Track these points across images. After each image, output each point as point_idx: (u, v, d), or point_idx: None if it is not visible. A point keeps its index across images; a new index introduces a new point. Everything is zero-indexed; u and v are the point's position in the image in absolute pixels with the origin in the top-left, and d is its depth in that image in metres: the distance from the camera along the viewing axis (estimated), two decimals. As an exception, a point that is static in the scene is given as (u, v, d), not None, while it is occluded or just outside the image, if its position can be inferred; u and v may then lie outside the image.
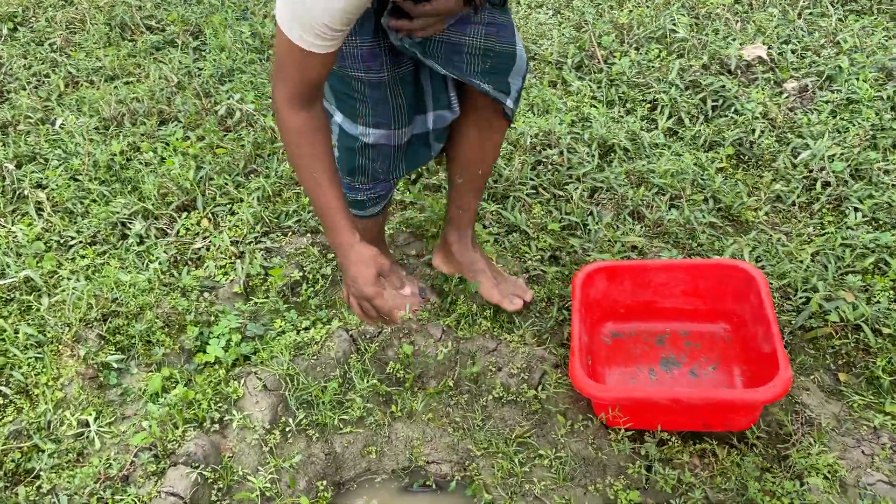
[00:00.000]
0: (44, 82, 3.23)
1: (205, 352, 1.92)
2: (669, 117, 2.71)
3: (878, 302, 1.91)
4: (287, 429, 1.79)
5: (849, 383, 1.80)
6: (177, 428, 1.75)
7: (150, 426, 1.74)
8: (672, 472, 1.62)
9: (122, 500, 1.62)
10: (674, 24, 3.12)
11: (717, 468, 1.63)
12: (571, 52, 3.07)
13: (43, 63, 3.34)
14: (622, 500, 1.64)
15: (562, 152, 2.53)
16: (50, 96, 3.10)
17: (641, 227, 2.24)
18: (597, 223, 2.24)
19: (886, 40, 2.94)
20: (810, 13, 3.22)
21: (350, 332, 1.95)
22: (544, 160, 2.51)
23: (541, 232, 2.27)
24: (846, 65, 2.79)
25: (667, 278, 1.91)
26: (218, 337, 1.95)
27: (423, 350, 1.92)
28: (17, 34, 3.59)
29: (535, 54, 3.13)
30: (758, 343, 1.74)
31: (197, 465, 1.64)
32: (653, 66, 2.94)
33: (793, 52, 2.96)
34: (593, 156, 2.51)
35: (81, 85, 3.21)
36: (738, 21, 3.18)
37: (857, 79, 2.72)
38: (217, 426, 1.77)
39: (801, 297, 1.95)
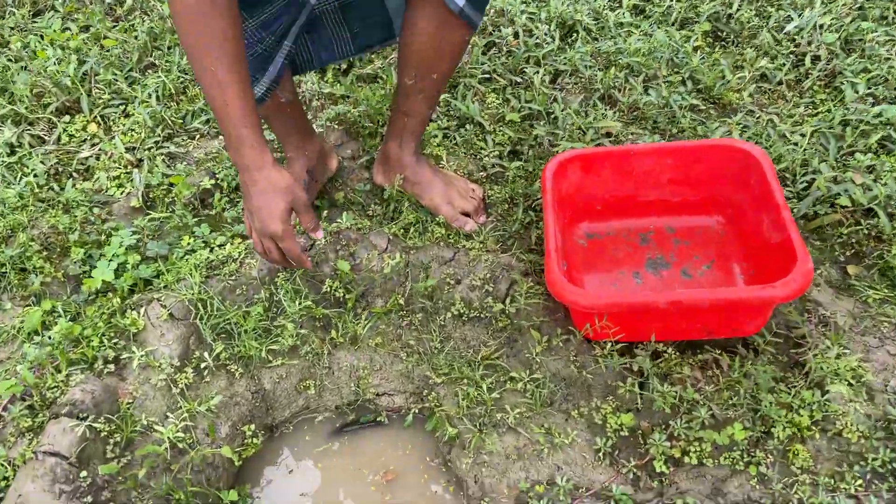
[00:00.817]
0: None
1: (92, 277, 1.55)
2: (635, -6, 2.37)
3: (885, 184, 1.66)
4: (202, 365, 1.45)
5: (860, 276, 1.56)
6: (59, 372, 1.39)
7: (21, 370, 1.37)
8: (671, 389, 1.36)
9: (-10, 465, 1.27)
10: None
11: (723, 381, 1.38)
12: (521, -75, 2.67)
13: None
14: (612, 424, 1.38)
15: (517, 34, 2.18)
16: None
17: (615, 112, 1.93)
18: (563, 110, 1.92)
19: None
20: None
21: (275, 246, 1.59)
22: (497, 41, 2.15)
23: (498, 124, 1.94)
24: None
25: (652, 165, 1.61)
26: (110, 259, 1.57)
27: (365, 264, 1.59)
28: None
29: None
30: (762, 234, 1.47)
31: (84, 415, 1.29)
32: (613, -61, 2.57)
33: (766, -80, 2.63)
34: (553, 36, 2.16)
35: (-64, -25, 2.66)
36: None
37: (840, -55, 2.42)
38: (112, 367, 1.41)
39: (801, 182, 1.69)
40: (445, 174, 1.75)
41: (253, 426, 1.45)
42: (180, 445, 1.34)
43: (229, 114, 1.25)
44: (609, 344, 1.41)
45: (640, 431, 1.38)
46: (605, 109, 1.93)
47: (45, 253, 1.64)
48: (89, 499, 1.22)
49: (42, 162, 1.87)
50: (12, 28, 2.31)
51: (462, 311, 1.54)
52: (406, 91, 1.60)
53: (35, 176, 1.81)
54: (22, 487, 1.20)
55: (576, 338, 1.46)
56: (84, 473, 1.24)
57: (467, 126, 1.93)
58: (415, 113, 1.63)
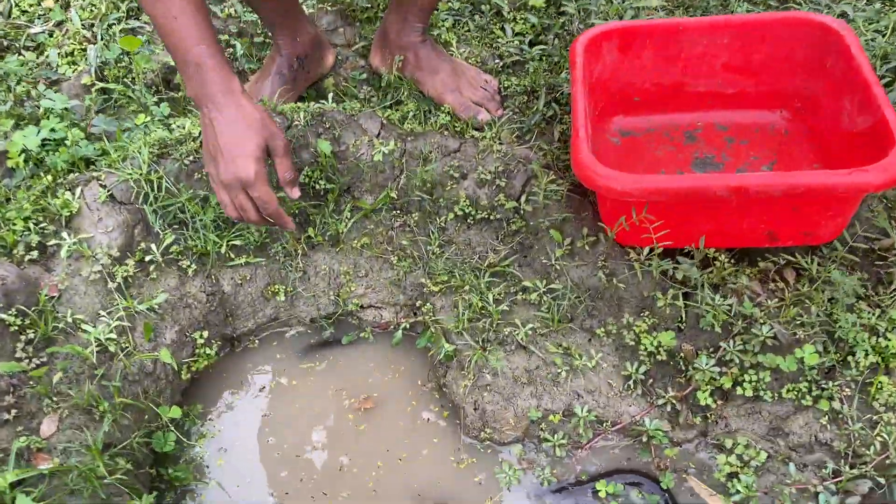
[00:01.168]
0: None
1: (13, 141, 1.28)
2: None
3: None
4: (148, 258, 1.19)
5: (954, 187, 1.28)
6: (-31, 256, 1.14)
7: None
8: (723, 303, 1.09)
9: None
10: None
11: (788, 297, 1.10)
12: None
13: None
14: (647, 345, 1.11)
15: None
16: None
17: (657, -3, 1.64)
18: (596, -7, 1.62)
19: None
20: None
21: (245, 125, 1.32)
22: (522, -80, 1.85)
23: (519, 11, 1.65)
24: None
25: (705, 46, 1.33)
26: (41, 129, 1.31)
27: (352, 150, 1.32)
28: None
29: None
30: (841, 125, 1.19)
31: (-10, 304, 1.04)
32: None
33: None
34: (586, -79, 1.86)
35: None
36: None
37: None
38: (35, 254, 1.16)
39: (884, 77, 1.40)
40: (454, 60, 1.48)
41: (206, 333, 1.19)
42: (111, 349, 1.08)
43: (179, 29, 1.01)
44: (646, 250, 1.14)
45: (681, 355, 1.11)
46: (646, -6, 1.63)
47: (-28, 128, 1.38)
48: (-14, 403, 0.97)
49: (-16, 34, 1.60)
50: None
51: (467, 212, 1.27)
52: None
53: (-26, 48, 1.55)
54: None
55: (606, 240, 1.18)
56: (-17, 373, 0.99)
57: (483, 9, 1.64)
58: (424, -11, 1.36)
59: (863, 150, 1.11)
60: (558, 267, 1.19)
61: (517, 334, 1.14)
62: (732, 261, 1.14)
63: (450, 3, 1.65)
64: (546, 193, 1.23)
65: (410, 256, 1.26)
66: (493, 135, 1.37)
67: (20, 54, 1.60)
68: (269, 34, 1.47)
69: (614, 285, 1.15)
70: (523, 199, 1.26)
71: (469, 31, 1.62)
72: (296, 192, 1.12)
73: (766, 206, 1.06)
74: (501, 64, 1.55)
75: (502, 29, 1.63)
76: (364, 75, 1.55)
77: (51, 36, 1.64)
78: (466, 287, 1.18)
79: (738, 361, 1.07)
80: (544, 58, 1.53)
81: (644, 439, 1.08)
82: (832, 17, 1.26)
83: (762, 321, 1.07)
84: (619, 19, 1.57)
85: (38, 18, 1.69)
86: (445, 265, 1.24)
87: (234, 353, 1.27)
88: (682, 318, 1.12)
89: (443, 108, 1.41)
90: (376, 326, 1.28)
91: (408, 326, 1.25)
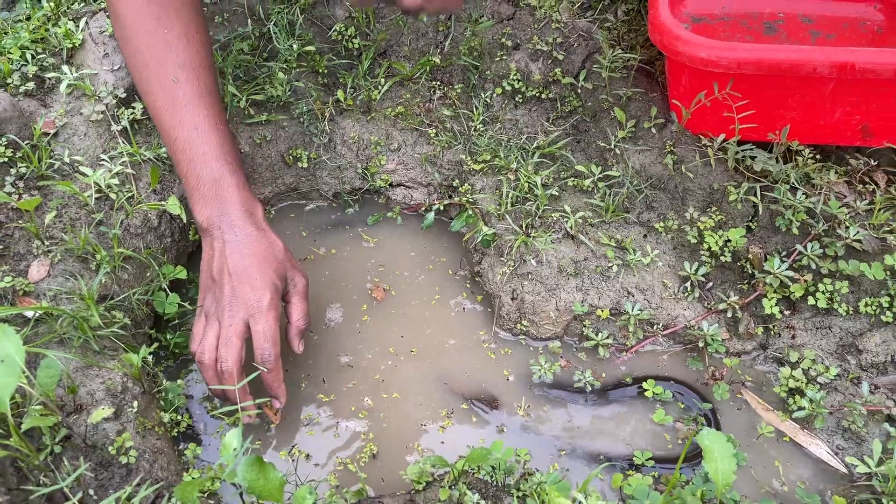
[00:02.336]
0: None
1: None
2: None
3: None
4: (157, 104, 1.06)
5: None
6: (-44, 81, 1.00)
7: None
8: (805, 201, 0.96)
9: None
10: None
11: (879, 200, 0.97)
12: None
13: None
14: (711, 244, 0.99)
15: None
16: None
17: None
18: None
19: None
20: None
21: (274, -32, 1.17)
22: None
23: None
24: None
25: (800, -80, 1.17)
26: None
27: (392, 8, 1.17)
28: None
29: None
30: (953, 16, 1.04)
31: (-23, 130, 0.91)
32: None
33: None
34: None
35: None
36: None
37: None
38: (31, 86, 1.02)
39: None
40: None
41: (218, 193, 1.06)
42: (111, 195, 0.96)
43: (196, 142, 0.87)
44: (719, 138, 1.00)
45: (747, 258, 0.99)
46: None
47: (-32, -49, 1.23)
48: (-33, 236, 0.85)
49: None
50: None
51: (517, 87, 1.13)
52: None
53: None
54: None
55: (674, 127, 1.05)
56: (-34, 204, 0.87)
57: None
58: None
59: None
60: (618, 151, 1.06)
61: (566, 222, 1.01)
62: (817, 155, 1.01)
63: None
64: (611, 71, 1.09)
65: (450, 131, 1.13)
66: (552, 4, 1.21)
67: None
68: None
69: (680, 174, 1.02)
70: (582, 75, 1.12)
71: None
72: (301, 347, 0.92)
73: (866, 92, 0.93)
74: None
75: None
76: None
77: None
78: (513, 166, 1.05)
79: (814, 267, 0.95)
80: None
81: (700, 344, 0.97)
82: None
83: (846, 223, 0.95)
84: None
85: None
86: (489, 143, 1.10)
87: (246, 223, 1.15)
88: (753, 216, 1.00)
89: (495, -25, 1.26)
90: (406, 207, 1.16)
91: (441, 209, 1.13)
